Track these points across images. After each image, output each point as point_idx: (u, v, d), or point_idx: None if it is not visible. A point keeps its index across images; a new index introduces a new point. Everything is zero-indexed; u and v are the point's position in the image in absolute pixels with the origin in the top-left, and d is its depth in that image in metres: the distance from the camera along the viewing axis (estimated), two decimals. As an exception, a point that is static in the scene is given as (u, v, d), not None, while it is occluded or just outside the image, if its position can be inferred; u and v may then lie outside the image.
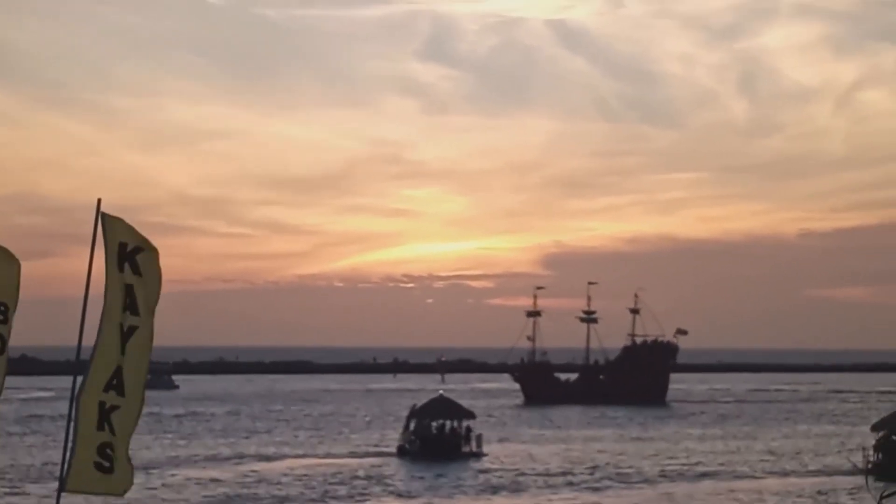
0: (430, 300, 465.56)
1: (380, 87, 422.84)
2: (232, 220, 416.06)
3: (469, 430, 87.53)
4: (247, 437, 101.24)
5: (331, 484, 72.31)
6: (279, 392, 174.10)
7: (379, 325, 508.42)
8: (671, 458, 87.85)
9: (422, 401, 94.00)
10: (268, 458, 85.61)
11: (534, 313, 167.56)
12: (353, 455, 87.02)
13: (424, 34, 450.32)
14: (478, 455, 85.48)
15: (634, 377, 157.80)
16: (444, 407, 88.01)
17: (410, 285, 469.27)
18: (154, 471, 76.39)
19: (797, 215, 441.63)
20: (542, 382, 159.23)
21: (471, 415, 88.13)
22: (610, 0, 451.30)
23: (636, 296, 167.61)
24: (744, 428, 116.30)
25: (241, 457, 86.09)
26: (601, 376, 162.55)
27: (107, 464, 13.63)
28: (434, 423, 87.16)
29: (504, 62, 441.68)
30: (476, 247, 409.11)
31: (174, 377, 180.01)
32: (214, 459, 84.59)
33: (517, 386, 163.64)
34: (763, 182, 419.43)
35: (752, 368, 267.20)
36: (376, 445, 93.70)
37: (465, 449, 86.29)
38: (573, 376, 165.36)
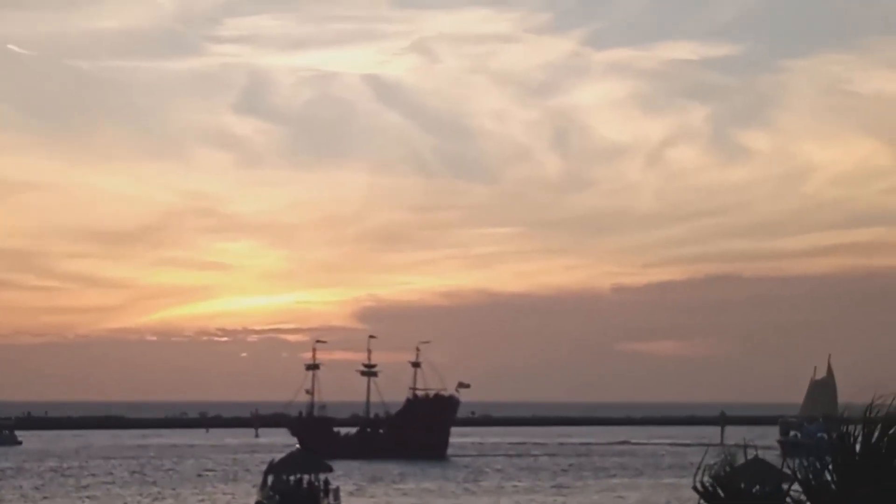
0: (244, 354, 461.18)
1: (194, 139, 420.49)
2: (42, 274, 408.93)
3: (327, 483, 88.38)
4: (91, 494, 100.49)
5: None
6: (101, 447, 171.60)
7: (192, 379, 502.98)
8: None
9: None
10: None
11: (312, 366, 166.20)
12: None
13: (240, 87, 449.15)
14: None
15: (414, 431, 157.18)
16: (301, 461, 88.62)
17: (224, 339, 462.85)
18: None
19: (610, 270, 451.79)
20: (321, 436, 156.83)
21: (328, 468, 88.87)
22: (425, 56, 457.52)
23: (417, 349, 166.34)
24: (559, 480, 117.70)
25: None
26: (381, 430, 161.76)
27: None
28: (292, 478, 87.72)
29: (320, 116, 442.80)
30: (292, 300, 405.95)
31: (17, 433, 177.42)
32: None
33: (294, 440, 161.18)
34: (577, 237, 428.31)
35: (561, 422, 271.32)
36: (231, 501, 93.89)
37: (324, 502, 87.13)
38: (353, 430, 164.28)
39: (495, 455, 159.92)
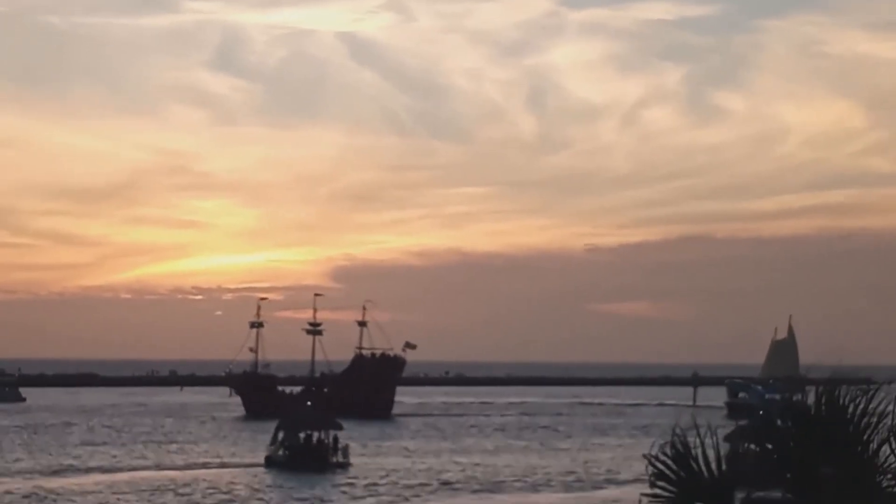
0: (218, 312, 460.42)
1: (168, 96, 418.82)
2: (15, 230, 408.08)
3: (336, 440, 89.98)
4: (98, 449, 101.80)
5: (206, 495, 73.92)
6: (84, 405, 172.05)
7: (167, 337, 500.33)
8: (486, 466, 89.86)
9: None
10: (130, 469, 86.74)
11: (256, 324, 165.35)
12: (220, 466, 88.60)
13: (213, 44, 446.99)
14: (345, 465, 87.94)
15: (358, 391, 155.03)
16: (311, 418, 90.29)
17: (199, 297, 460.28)
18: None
19: (584, 231, 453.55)
20: (264, 395, 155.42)
21: (338, 426, 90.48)
22: (400, 14, 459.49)
23: (364, 308, 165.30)
24: (531, 439, 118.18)
25: (112, 468, 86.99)
26: (325, 389, 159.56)
27: None
28: (302, 434, 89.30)
29: (294, 74, 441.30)
30: (265, 259, 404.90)
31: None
32: (72, 471, 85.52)
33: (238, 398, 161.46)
34: (550, 197, 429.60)
35: (533, 382, 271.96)
36: (235, 456, 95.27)
37: (333, 459, 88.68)
38: (297, 389, 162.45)
39: (451, 415, 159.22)
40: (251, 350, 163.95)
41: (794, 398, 13.35)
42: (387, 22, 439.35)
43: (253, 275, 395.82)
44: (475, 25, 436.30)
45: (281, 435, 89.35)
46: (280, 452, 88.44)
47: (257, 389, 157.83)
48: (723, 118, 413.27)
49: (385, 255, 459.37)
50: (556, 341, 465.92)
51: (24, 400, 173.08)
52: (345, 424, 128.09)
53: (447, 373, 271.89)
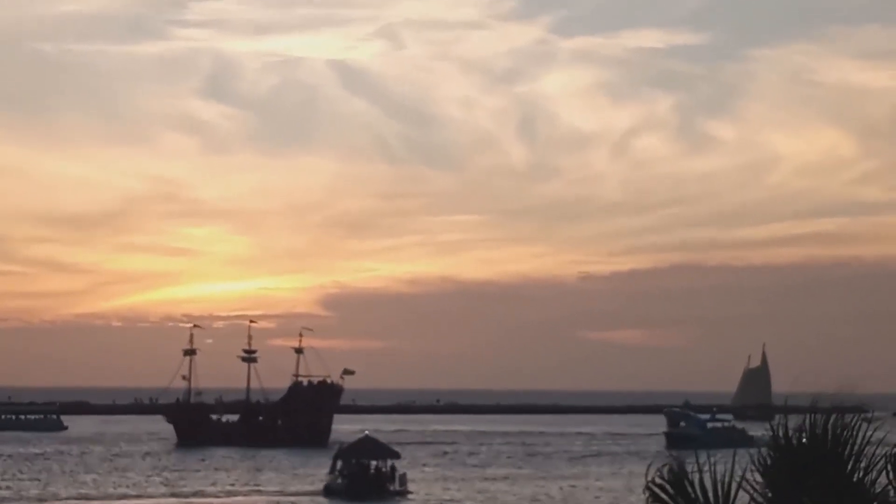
0: (209, 340, 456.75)
1: (159, 124, 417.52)
2: (5, 258, 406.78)
3: (394, 469, 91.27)
4: (156, 476, 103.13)
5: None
6: (96, 433, 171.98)
7: (158, 364, 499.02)
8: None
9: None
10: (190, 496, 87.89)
11: (190, 352, 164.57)
12: (280, 494, 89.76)
13: (204, 72, 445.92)
14: (403, 494, 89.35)
15: (294, 419, 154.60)
16: (370, 447, 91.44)
17: (189, 325, 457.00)
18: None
19: (576, 258, 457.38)
20: (197, 423, 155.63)
21: (396, 454, 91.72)
22: (391, 42, 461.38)
23: (300, 335, 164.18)
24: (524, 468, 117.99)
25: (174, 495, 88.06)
26: (260, 417, 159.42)
27: None
28: (360, 463, 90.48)
29: (285, 102, 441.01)
30: (257, 287, 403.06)
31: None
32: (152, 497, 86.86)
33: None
34: (542, 225, 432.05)
35: (525, 410, 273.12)
36: (295, 484, 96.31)
37: (391, 488, 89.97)
38: (234, 417, 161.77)
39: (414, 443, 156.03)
40: (184, 378, 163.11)
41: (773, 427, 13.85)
42: (378, 50, 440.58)
43: (244, 303, 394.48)
44: (466, 53, 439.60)
45: (339, 463, 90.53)
46: (339, 481, 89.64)
47: (189, 418, 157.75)
48: (714, 147, 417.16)
49: (377, 283, 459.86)
50: (549, 369, 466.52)
51: (65, 428, 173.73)
52: (279, 454, 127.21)
53: (438, 401, 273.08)
